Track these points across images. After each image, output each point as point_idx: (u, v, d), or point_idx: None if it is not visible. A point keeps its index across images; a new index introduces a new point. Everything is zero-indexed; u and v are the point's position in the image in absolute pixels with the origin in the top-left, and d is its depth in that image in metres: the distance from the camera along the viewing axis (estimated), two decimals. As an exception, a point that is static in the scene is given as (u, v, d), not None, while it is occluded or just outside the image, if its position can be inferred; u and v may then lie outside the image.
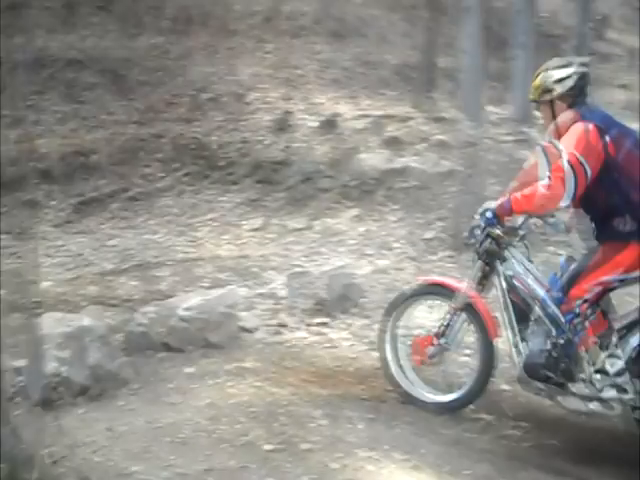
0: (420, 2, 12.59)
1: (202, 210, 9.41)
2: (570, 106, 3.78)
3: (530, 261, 4.06)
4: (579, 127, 3.66)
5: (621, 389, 3.59)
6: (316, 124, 10.29)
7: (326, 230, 8.29)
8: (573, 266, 3.85)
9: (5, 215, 8.58)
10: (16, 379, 4.32)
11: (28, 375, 4.25)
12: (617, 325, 3.70)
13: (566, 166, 3.55)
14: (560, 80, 3.79)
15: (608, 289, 3.75)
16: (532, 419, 4.14)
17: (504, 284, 3.99)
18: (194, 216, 9.29)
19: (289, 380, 4.64)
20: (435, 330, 4.22)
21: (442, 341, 4.17)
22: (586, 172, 3.56)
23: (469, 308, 4.09)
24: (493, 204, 3.96)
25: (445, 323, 4.17)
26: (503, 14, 13.58)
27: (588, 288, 3.68)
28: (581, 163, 3.55)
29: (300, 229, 8.24)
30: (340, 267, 6.50)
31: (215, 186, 9.96)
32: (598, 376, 3.66)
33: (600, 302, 3.75)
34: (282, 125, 10.36)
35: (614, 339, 3.66)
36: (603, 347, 3.68)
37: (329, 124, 10.23)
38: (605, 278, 3.66)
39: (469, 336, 4.32)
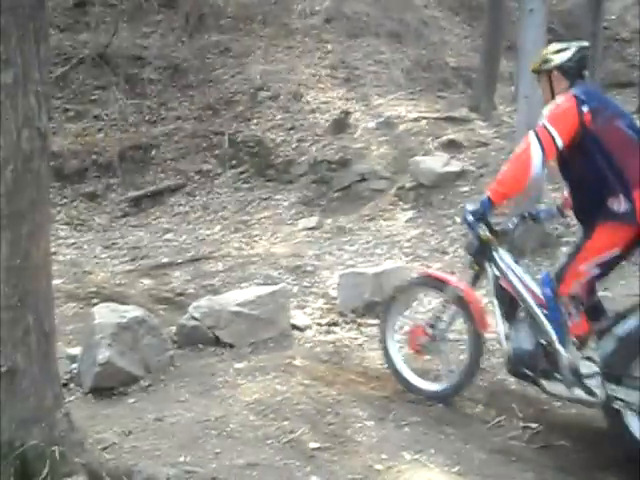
0: (482, 4, 12.44)
1: (257, 207, 9.48)
2: (570, 83, 3.82)
3: (517, 262, 4.09)
4: (560, 99, 3.75)
5: (590, 392, 3.67)
6: (374, 125, 10.26)
7: (380, 231, 8.24)
8: (566, 253, 3.93)
9: (65, 207, 8.77)
10: (71, 366, 4.41)
11: (82, 363, 4.33)
12: (592, 327, 3.76)
13: (531, 136, 3.65)
14: (559, 51, 3.90)
15: (596, 278, 3.78)
16: (580, 431, 4.05)
17: (492, 282, 4.08)
18: (249, 213, 9.37)
19: (337, 379, 4.63)
20: (427, 321, 4.38)
21: (433, 332, 4.31)
22: (554, 140, 3.60)
23: (460, 301, 4.20)
24: (472, 206, 3.97)
25: (437, 314, 4.34)
26: (568, 17, 13.36)
27: (578, 273, 3.71)
28: (549, 132, 3.61)
29: (354, 229, 8.22)
30: (393, 269, 6.44)
31: (271, 184, 10.03)
32: (571, 376, 3.74)
33: (587, 302, 3.80)
34: (340, 125, 10.36)
35: (592, 343, 3.73)
36: (581, 348, 3.76)
37: (387, 125, 10.19)
38: (589, 266, 3.69)
39: (460, 328, 4.44)
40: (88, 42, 11.13)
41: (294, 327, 5.50)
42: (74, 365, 4.42)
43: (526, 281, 3.99)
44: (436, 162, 8.98)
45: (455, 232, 7.94)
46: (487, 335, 4.27)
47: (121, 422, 3.79)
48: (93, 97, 10.64)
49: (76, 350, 4.56)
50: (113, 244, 8.48)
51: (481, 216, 3.93)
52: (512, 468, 3.62)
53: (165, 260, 7.86)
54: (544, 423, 4.06)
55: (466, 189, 8.66)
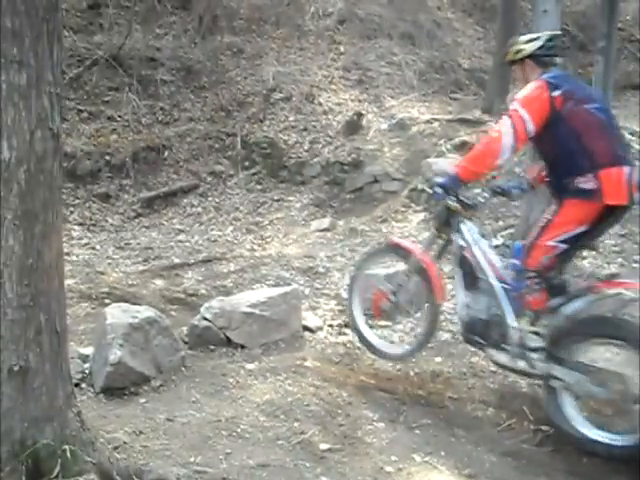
0: (495, 6, 12.41)
1: (270, 209, 9.50)
2: (542, 71, 3.99)
3: (482, 236, 4.29)
4: (532, 84, 3.92)
5: (532, 365, 3.91)
6: (386, 126, 10.26)
7: (392, 233, 8.23)
8: (536, 226, 4.05)
9: (78, 207, 8.81)
10: (83, 366, 4.42)
11: (94, 363, 4.35)
12: (543, 304, 3.94)
13: (504, 119, 3.83)
14: (530, 41, 4.11)
15: (561, 255, 3.93)
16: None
17: (457, 252, 4.29)
18: (262, 214, 9.38)
19: (348, 381, 4.63)
20: (391, 288, 4.61)
21: (395, 298, 4.59)
22: (526, 124, 3.78)
23: (421, 272, 4.41)
24: (441, 179, 4.17)
25: (400, 283, 4.58)
26: (582, 18, 13.31)
27: (545, 249, 3.88)
28: (521, 116, 3.78)
29: (366, 231, 8.21)
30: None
31: (283, 185, 10.05)
32: (517, 348, 3.97)
33: (553, 279, 3.94)
34: (352, 127, 10.36)
35: (545, 319, 3.94)
36: (534, 323, 3.97)
37: (399, 127, 10.18)
38: (554, 241, 3.85)
39: (419, 297, 4.62)
40: (102, 44, 11.18)
41: (305, 328, 5.50)
42: (86, 365, 4.43)
43: (489, 255, 4.20)
44: (449, 164, 8.96)
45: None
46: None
47: (132, 422, 3.80)
48: (106, 98, 10.68)
49: (88, 350, 4.58)
50: (126, 244, 8.51)
51: (448, 190, 4.13)
52: (523, 471, 3.61)
53: (177, 261, 7.88)
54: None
55: (478, 191, 8.63)
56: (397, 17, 13.17)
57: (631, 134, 9.63)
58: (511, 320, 3.99)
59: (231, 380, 4.50)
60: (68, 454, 2.94)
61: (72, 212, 9.02)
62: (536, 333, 3.93)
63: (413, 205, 8.80)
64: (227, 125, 10.80)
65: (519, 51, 4.14)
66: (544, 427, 4.02)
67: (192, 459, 3.46)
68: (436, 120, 10.22)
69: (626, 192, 3.74)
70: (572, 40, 13.35)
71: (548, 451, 3.81)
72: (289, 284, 5.66)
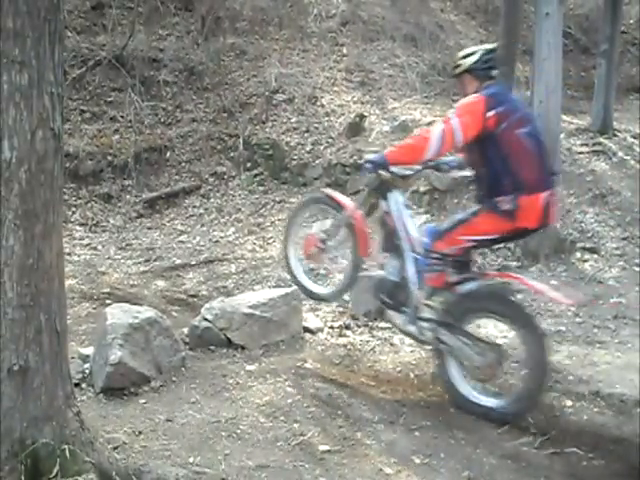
0: (498, 8, 12.40)
1: (272, 210, 9.50)
2: (479, 84, 4.21)
3: (407, 207, 4.67)
4: (470, 98, 4.14)
5: (421, 332, 4.41)
6: (388, 128, 10.26)
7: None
8: (452, 218, 4.49)
9: (80, 207, 8.82)
10: (83, 366, 4.43)
11: (94, 363, 4.35)
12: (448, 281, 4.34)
13: (438, 124, 4.08)
14: (466, 56, 4.32)
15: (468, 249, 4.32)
16: (592, 438, 4.03)
17: (381, 217, 4.68)
18: (264, 216, 9.38)
19: (349, 383, 4.63)
20: (321, 235, 4.98)
21: (324, 245, 4.96)
22: (454, 134, 4.00)
23: (350, 226, 4.79)
24: (372, 156, 4.53)
25: (329, 232, 4.96)
26: (585, 21, 13.31)
27: (455, 241, 4.24)
28: (452, 125, 4.00)
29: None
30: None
31: (286, 187, 10.05)
32: (412, 315, 4.43)
33: (459, 258, 4.32)
34: (355, 128, 10.36)
35: (437, 295, 4.39)
36: (429, 298, 4.39)
37: (402, 129, 10.17)
38: (467, 238, 4.21)
39: (345, 247, 5.02)
40: (105, 44, 11.20)
41: (306, 330, 5.50)
42: (86, 365, 4.43)
43: (408, 225, 4.56)
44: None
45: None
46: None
47: (132, 422, 3.81)
48: (109, 99, 10.70)
49: (88, 350, 4.58)
50: (127, 245, 8.52)
51: (376, 166, 4.46)
52: (523, 474, 3.60)
53: (179, 262, 7.90)
54: (555, 429, 4.04)
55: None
56: (400, 19, 13.17)
57: (634, 137, 9.64)
58: (413, 288, 4.41)
59: (231, 381, 4.50)
60: (67, 454, 2.94)
61: (74, 212, 9.04)
62: (429, 306, 4.38)
63: (415, 207, 8.80)
64: (229, 126, 10.81)
65: (457, 66, 4.37)
66: (544, 430, 4.02)
67: (191, 460, 3.46)
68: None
69: (539, 217, 4.03)
70: (575, 43, 13.35)
71: (548, 454, 3.80)
72: (290, 285, 5.67)
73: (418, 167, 4.66)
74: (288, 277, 5.35)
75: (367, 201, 4.76)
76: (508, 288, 4.25)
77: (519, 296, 4.36)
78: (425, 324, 4.37)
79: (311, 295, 5.17)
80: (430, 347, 4.54)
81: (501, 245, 7.59)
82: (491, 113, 3.99)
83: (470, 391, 4.24)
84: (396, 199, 4.60)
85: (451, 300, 4.29)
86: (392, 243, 4.60)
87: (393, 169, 4.50)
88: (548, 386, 4.25)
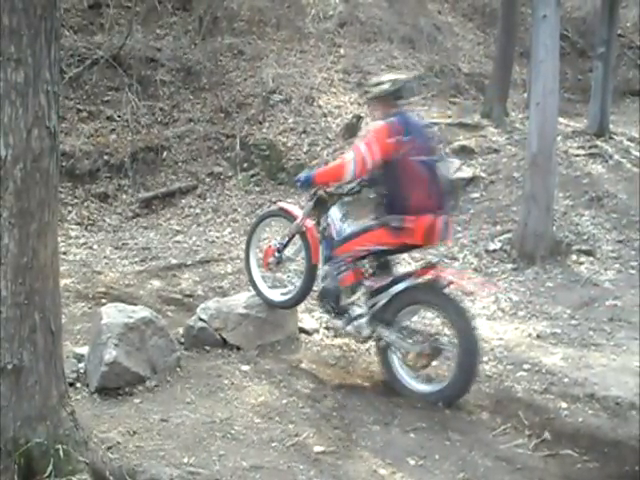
0: (496, 11, 12.42)
1: (268, 211, 9.46)
2: (386, 111, 4.55)
3: (341, 220, 4.98)
4: (377, 124, 4.52)
5: (358, 330, 4.72)
6: (385, 130, 10.24)
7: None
8: (352, 228, 4.86)
9: (76, 207, 8.79)
10: (78, 365, 4.42)
11: (89, 362, 4.34)
12: (371, 284, 4.69)
13: (351, 152, 4.48)
14: (376, 85, 4.70)
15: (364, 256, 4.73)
16: (587, 440, 4.02)
17: (323, 230, 5.02)
18: (260, 216, 9.35)
19: (344, 384, 4.63)
20: (277, 245, 5.27)
21: (280, 255, 5.27)
22: (365, 160, 4.40)
23: (303, 235, 5.11)
24: (302, 175, 4.93)
25: (284, 241, 5.25)
26: (582, 24, 13.33)
27: (352, 250, 4.68)
28: (362, 153, 4.40)
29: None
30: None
31: (282, 187, 10.04)
32: (346, 316, 4.79)
33: (357, 263, 4.76)
34: (351, 129, 10.36)
35: (359, 292, 4.75)
36: (350, 295, 4.76)
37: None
38: (361, 248, 4.64)
39: (299, 255, 5.28)
40: (102, 43, 11.17)
41: (301, 330, 5.50)
42: (81, 364, 4.42)
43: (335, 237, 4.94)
44: (447, 168, 8.96)
45: (465, 238, 7.93)
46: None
47: (126, 422, 3.79)
48: (106, 98, 10.67)
49: (83, 349, 4.57)
50: (123, 245, 8.50)
51: (306, 187, 4.93)
52: (517, 476, 3.60)
53: (174, 262, 7.88)
54: (550, 431, 4.04)
55: (477, 195, 8.65)
56: (397, 21, 13.18)
57: (630, 140, 9.65)
58: (337, 292, 4.82)
59: (226, 381, 4.49)
60: (61, 453, 2.94)
61: (70, 211, 9.02)
62: (355, 304, 4.76)
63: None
64: (226, 126, 10.79)
65: (368, 92, 4.79)
66: (539, 433, 4.02)
67: (186, 460, 3.46)
68: (435, 124, 10.22)
69: (423, 236, 4.43)
70: (572, 46, 13.38)
71: (543, 456, 3.80)
72: (286, 286, 5.68)
73: (354, 185, 5.03)
74: (250, 287, 5.60)
75: (313, 213, 5.11)
76: (437, 282, 4.51)
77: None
78: (359, 321, 4.72)
79: (271, 303, 5.30)
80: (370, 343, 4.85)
81: (497, 248, 7.61)
82: (392, 140, 4.38)
83: (409, 379, 4.55)
84: (335, 214, 5.00)
85: (384, 300, 4.58)
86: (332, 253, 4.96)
87: (330, 189, 4.96)
88: (478, 371, 4.49)
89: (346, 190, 5.08)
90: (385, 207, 4.55)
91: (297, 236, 5.17)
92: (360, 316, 4.72)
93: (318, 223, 5.09)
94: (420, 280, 4.54)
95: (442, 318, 4.63)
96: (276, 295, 5.35)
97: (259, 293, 5.40)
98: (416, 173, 4.40)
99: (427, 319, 4.91)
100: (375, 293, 4.66)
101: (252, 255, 5.57)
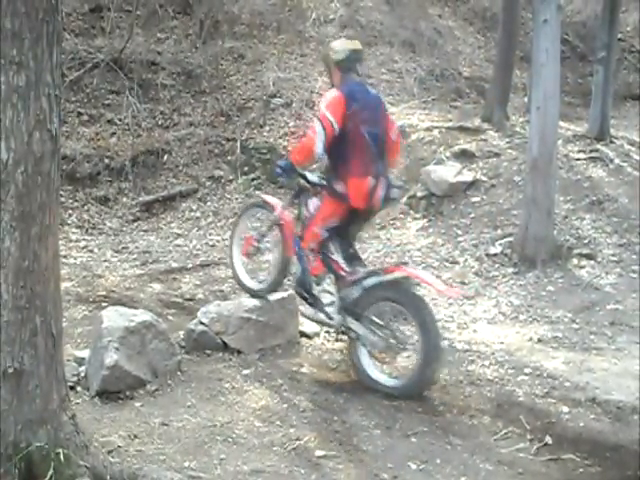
0: (496, 14, 12.43)
1: (268, 214, 9.46)
2: (343, 77, 4.85)
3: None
4: (332, 93, 4.76)
5: (329, 317, 4.86)
6: (386, 133, 10.24)
7: (391, 240, 8.24)
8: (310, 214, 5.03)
9: (77, 210, 8.79)
10: (78, 369, 4.41)
11: (89, 366, 4.34)
12: (348, 277, 4.83)
13: (316, 122, 4.66)
14: (337, 51, 4.93)
15: (327, 239, 4.89)
16: (589, 445, 4.01)
17: (301, 219, 5.19)
18: (260, 220, 9.34)
19: (345, 387, 4.62)
20: (256, 235, 5.54)
21: (259, 244, 5.53)
22: (333, 126, 4.60)
23: (280, 226, 5.31)
24: (281, 162, 5.07)
25: (263, 232, 5.54)
26: (583, 28, 13.34)
27: (312, 234, 4.89)
28: (329, 119, 4.59)
29: (365, 238, 8.19)
30: (403, 278, 6.43)
31: (282, 191, 10.00)
32: (318, 304, 4.95)
33: (322, 251, 4.92)
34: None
35: (328, 280, 4.91)
36: (320, 283, 4.92)
37: (400, 134, 10.16)
38: (319, 229, 4.85)
39: (276, 246, 5.49)
40: (103, 47, 11.18)
41: (302, 334, 5.48)
42: (82, 368, 4.42)
43: None
44: (448, 172, 8.96)
45: (466, 242, 7.93)
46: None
47: (127, 426, 3.79)
48: (107, 102, 10.67)
49: (84, 353, 4.56)
50: (124, 248, 8.49)
51: (287, 170, 4.97)
52: (519, 480, 3.59)
53: (175, 265, 7.87)
54: (552, 436, 4.03)
55: (477, 199, 8.64)
56: (398, 24, 13.18)
57: (630, 144, 9.65)
58: (310, 280, 4.98)
59: (227, 385, 4.49)
60: (62, 457, 2.93)
61: (71, 215, 9.01)
62: (325, 291, 4.91)
63: (412, 212, 8.81)
64: (227, 130, 10.79)
65: (327, 55, 5.05)
66: (541, 437, 4.01)
67: (186, 464, 3.45)
68: (436, 128, 10.22)
69: (365, 199, 4.68)
70: (572, 50, 13.39)
71: (544, 460, 3.79)
72: (286, 290, 5.69)
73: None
74: (230, 273, 6.04)
75: (292, 204, 5.33)
76: (407, 280, 4.72)
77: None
78: (330, 309, 4.87)
79: (248, 291, 5.56)
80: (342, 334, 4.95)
81: (498, 252, 7.60)
82: (345, 110, 4.63)
83: (375, 373, 4.69)
84: (314, 204, 5.08)
85: (357, 293, 4.74)
86: None
87: (311, 178, 5.05)
88: (441, 368, 4.67)
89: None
90: (331, 174, 4.84)
91: (275, 228, 5.41)
92: (331, 304, 4.87)
93: (300, 215, 5.27)
94: (390, 276, 4.71)
95: (407, 314, 4.74)
96: (253, 283, 5.60)
97: (238, 280, 5.73)
98: (360, 142, 4.67)
99: (394, 315, 4.91)
100: (347, 285, 4.82)
101: (235, 244, 5.79)
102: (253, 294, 5.46)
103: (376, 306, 4.76)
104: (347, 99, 4.67)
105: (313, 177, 5.15)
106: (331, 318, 4.87)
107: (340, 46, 5.00)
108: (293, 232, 5.20)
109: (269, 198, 5.79)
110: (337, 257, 4.94)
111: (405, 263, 5.20)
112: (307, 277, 5.00)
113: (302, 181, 5.15)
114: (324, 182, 5.13)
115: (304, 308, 5.18)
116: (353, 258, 5.00)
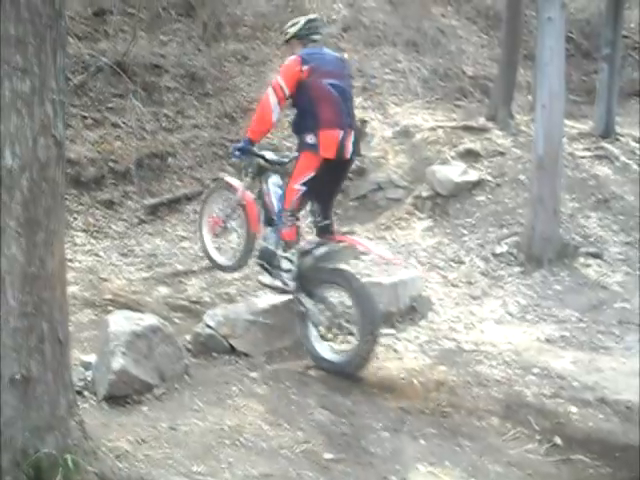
0: (500, 13, 12.39)
1: (273, 216, 9.45)
2: (304, 46, 5.23)
3: (280, 187, 5.53)
4: (290, 58, 5.12)
5: (285, 283, 5.22)
6: (390, 134, 10.24)
7: (397, 241, 8.22)
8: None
9: (82, 214, 8.79)
10: (85, 374, 4.40)
11: (96, 371, 4.33)
12: (304, 244, 5.27)
13: (269, 89, 5.06)
14: (293, 25, 5.39)
15: (305, 196, 5.17)
16: (598, 445, 3.99)
17: (262, 197, 5.65)
18: (265, 221, 9.34)
19: (352, 390, 4.61)
20: (222, 215, 6.19)
21: (225, 224, 6.23)
22: (283, 90, 4.99)
23: (243, 206, 5.92)
24: (238, 144, 5.48)
25: (228, 212, 6.15)
26: (587, 26, 13.30)
27: (291, 191, 5.13)
28: (280, 85, 4.99)
29: (371, 239, 8.18)
30: (409, 279, 6.43)
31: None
32: (277, 270, 5.30)
33: (298, 215, 5.33)
34: (356, 134, 10.32)
35: (292, 248, 5.22)
36: (286, 250, 5.25)
37: (404, 134, 10.16)
38: (297, 185, 5.09)
39: (241, 224, 6.16)
40: (106, 50, 11.16)
41: (310, 336, 5.47)
42: (88, 372, 4.40)
43: (274, 202, 5.50)
44: (453, 171, 8.94)
45: (472, 242, 7.91)
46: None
47: (135, 430, 3.78)
48: (111, 105, 10.64)
49: (91, 357, 4.55)
50: (129, 251, 8.47)
51: (245, 151, 5.39)
52: (528, 482, 3.58)
53: (181, 268, 7.85)
54: (561, 436, 4.01)
55: (483, 198, 8.62)
56: (401, 24, 13.16)
57: (636, 141, 9.61)
58: (275, 249, 5.34)
59: (234, 388, 4.48)
60: (70, 463, 2.92)
61: (76, 219, 8.99)
62: (287, 258, 5.22)
63: (417, 212, 8.78)
64: (231, 132, 10.77)
65: (286, 34, 5.45)
66: (550, 438, 4.00)
67: (195, 468, 3.44)
68: (440, 127, 10.20)
69: (337, 149, 4.95)
70: (577, 47, 13.34)
71: (554, 461, 3.78)
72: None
73: (290, 155, 5.67)
74: (201, 253, 6.87)
75: (253, 184, 5.80)
76: (354, 251, 5.17)
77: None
78: (287, 275, 5.19)
79: (219, 267, 6.37)
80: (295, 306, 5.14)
81: (504, 251, 7.58)
82: (305, 67, 4.96)
83: (322, 349, 4.96)
84: (274, 181, 5.58)
85: (308, 263, 5.06)
86: (270, 218, 5.55)
87: (270, 157, 5.59)
88: (378, 342, 4.89)
89: (286, 159, 5.69)
90: (300, 127, 5.09)
91: (239, 208, 5.96)
92: (289, 271, 5.19)
93: (260, 193, 5.69)
94: (338, 245, 5.10)
95: (347, 293, 4.90)
96: (223, 260, 6.35)
97: (209, 258, 6.51)
98: (326, 93, 4.96)
99: (340, 296, 5.06)
100: (304, 254, 5.14)
101: (204, 225, 6.45)
102: (223, 270, 6.23)
103: (325, 287, 5.03)
104: (302, 58, 5.01)
105: (271, 155, 5.65)
106: (286, 284, 5.20)
107: (294, 20, 5.45)
108: (256, 211, 5.74)
109: (232, 180, 6.31)
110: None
111: (350, 232, 6.09)
112: (272, 250, 5.33)
113: (261, 161, 5.60)
114: (284, 159, 5.65)
115: (262, 277, 5.57)
116: (324, 231, 5.28)
